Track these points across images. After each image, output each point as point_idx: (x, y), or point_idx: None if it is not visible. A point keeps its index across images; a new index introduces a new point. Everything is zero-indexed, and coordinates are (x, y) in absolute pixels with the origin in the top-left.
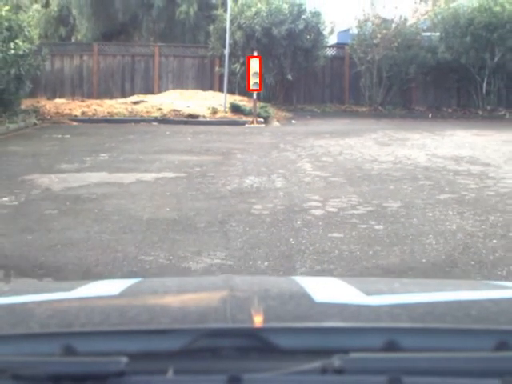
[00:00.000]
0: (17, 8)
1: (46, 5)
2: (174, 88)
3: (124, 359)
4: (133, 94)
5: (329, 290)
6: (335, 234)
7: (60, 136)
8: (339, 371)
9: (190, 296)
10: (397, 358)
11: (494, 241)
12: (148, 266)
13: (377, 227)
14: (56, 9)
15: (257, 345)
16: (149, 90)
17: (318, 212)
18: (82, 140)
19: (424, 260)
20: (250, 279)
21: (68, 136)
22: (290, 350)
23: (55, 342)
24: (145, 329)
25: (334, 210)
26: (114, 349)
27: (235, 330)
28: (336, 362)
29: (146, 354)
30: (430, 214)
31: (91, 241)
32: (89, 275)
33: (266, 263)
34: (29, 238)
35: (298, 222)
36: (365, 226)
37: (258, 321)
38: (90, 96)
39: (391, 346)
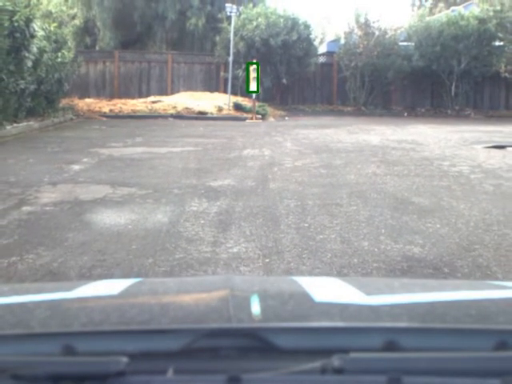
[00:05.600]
0: (60, 24)
1: (73, 17)
2: (184, 90)
3: (124, 359)
4: (149, 95)
5: (329, 290)
6: (296, 174)
7: (98, 127)
8: (339, 371)
9: (190, 296)
10: (397, 358)
11: (388, 176)
12: (187, 184)
13: (322, 171)
14: (82, 21)
15: (257, 345)
16: (163, 91)
17: (288, 165)
18: (117, 130)
19: (341, 183)
20: (250, 279)
21: (104, 127)
22: (289, 350)
23: (55, 342)
24: (145, 329)
25: (299, 164)
26: (114, 349)
27: (235, 329)
28: (336, 361)
29: (146, 354)
30: (359, 166)
31: (151, 176)
32: (156, 188)
33: (252, 183)
34: (113, 174)
35: (275, 169)
36: (315, 170)
37: (258, 321)
38: (112, 96)
39: (391, 346)
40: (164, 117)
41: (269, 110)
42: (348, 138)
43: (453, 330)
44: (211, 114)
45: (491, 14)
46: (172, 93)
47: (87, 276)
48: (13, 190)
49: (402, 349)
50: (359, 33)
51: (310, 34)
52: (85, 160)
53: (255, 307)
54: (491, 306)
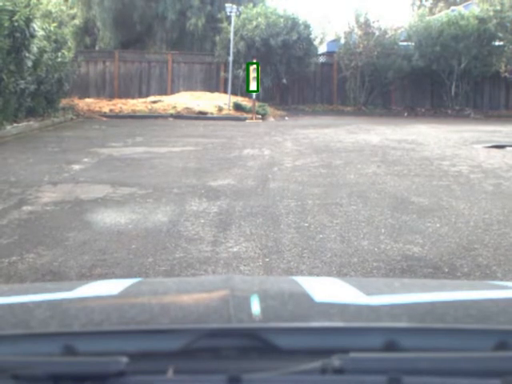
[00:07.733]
0: (60, 24)
1: (73, 17)
2: (184, 90)
3: (124, 359)
4: (149, 95)
5: (329, 290)
6: (296, 173)
7: (98, 127)
8: (339, 371)
9: (190, 296)
10: (397, 358)
11: (388, 176)
12: (187, 184)
13: (322, 171)
14: (82, 21)
15: (257, 345)
16: (163, 91)
17: (288, 165)
18: (117, 129)
19: (341, 182)
20: (250, 279)
21: (104, 127)
22: (289, 350)
23: (55, 342)
24: (145, 329)
25: (299, 164)
26: (114, 349)
27: (235, 330)
28: (336, 361)
29: (146, 354)
30: (359, 166)
31: (151, 176)
32: (157, 188)
33: (252, 183)
34: (114, 174)
35: (275, 169)
36: (315, 170)
37: (258, 321)
38: (112, 96)
39: (391, 346)
40: (164, 117)
41: (269, 109)
42: (348, 138)
43: (453, 330)
44: (211, 113)
45: (491, 13)
46: (172, 93)
47: (87, 275)
48: (13, 190)
49: (402, 349)
50: (359, 33)
51: (310, 33)
52: (85, 160)
53: (255, 307)
54: (491, 306)
